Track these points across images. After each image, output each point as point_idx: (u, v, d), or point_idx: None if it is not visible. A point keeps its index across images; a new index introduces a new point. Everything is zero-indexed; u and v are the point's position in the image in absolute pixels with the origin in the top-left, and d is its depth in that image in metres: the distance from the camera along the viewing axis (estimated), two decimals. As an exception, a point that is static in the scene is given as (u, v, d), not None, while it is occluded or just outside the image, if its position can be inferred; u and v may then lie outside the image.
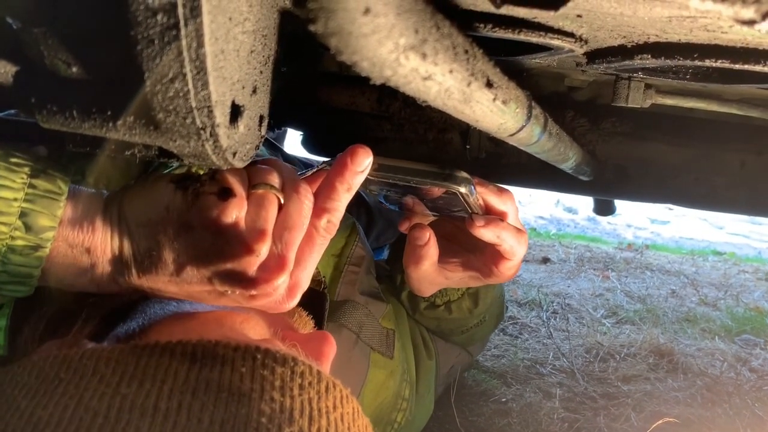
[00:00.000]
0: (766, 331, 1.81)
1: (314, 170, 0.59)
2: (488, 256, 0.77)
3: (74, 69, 0.36)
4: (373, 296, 0.91)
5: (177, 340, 0.47)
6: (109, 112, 0.37)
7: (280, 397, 0.43)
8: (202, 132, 0.37)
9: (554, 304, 1.93)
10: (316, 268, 0.79)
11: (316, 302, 0.75)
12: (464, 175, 0.65)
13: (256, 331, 0.55)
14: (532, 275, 2.31)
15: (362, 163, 0.55)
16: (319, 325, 0.74)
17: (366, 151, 0.55)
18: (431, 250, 0.76)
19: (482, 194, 0.72)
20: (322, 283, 0.80)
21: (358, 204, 1.18)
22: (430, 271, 0.79)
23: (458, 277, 0.81)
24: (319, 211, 0.53)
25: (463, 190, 0.64)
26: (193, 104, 0.35)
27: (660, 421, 1.04)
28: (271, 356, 0.46)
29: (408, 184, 0.64)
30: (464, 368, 1.20)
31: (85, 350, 0.47)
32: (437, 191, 0.67)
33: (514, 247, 0.73)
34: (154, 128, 0.37)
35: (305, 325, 0.70)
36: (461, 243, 0.80)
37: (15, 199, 0.46)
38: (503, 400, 1.27)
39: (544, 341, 1.61)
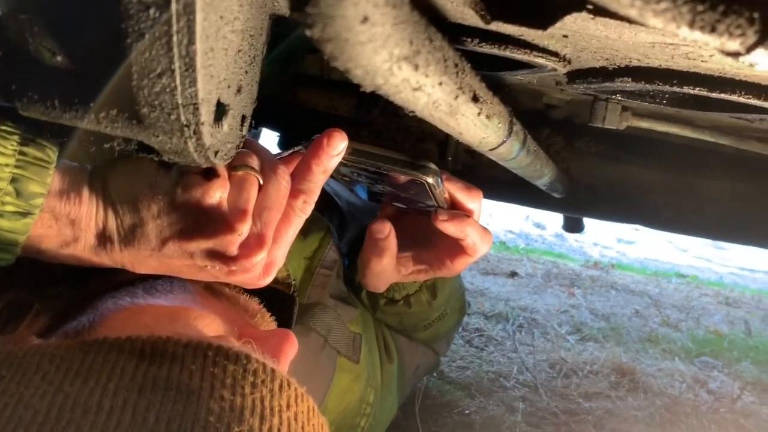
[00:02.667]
0: (724, 354, 1.85)
1: (291, 152, 0.61)
2: (443, 250, 0.78)
3: (59, 58, 0.35)
4: (343, 300, 0.91)
5: (126, 337, 0.46)
6: (91, 104, 0.36)
7: (230, 396, 0.43)
8: (185, 129, 0.36)
9: (520, 318, 1.95)
10: (287, 271, 0.79)
11: (285, 304, 0.75)
12: (433, 167, 0.66)
13: (211, 328, 0.55)
14: (499, 288, 2.33)
15: (338, 146, 0.56)
16: (286, 327, 0.73)
17: (341, 135, 0.57)
18: (392, 242, 0.77)
19: (451, 190, 0.73)
20: (291, 286, 0.80)
21: (331, 208, 1.18)
22: (390, 264, 0.79)
23: (408, 271, 0.82)
24: (295, 191, 0.55)
25: (430, 180, 0.66)
26: (180, 101, 0.34)
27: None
28: (223, 353, 0.46)
29: (379, 171, 0.66)
30: (430, 368, 1.20)
31: (30, 347, 0.46)
32: (405, 179, 0.68)
33: (477, 244, 0.74)
34: (138, 123, 0.37)
35: (267, 325, 0.70)
36: (413, 237, 0.81)
37: (6, 165, 0.45)
38: (467, 412, 1.27)
39: (509, 354, 1.63)
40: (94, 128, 0.38)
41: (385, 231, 0.77)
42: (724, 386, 1.60)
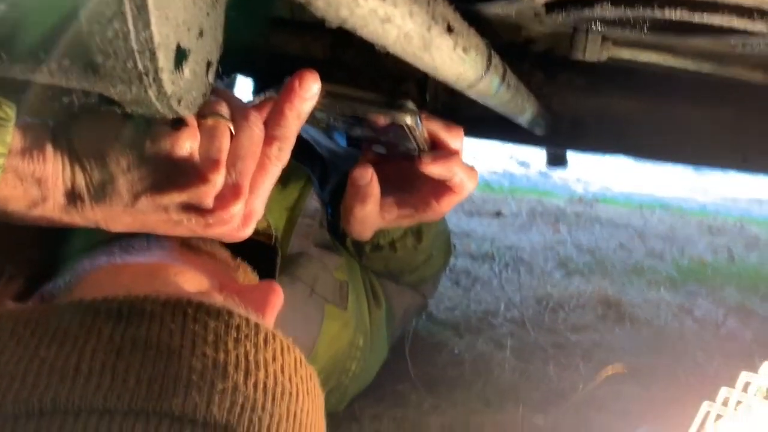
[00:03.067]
0: (708, 281, 1.88)
1: (262, 98, 0.58)
2: (428, 192, 0.77)
3: (2, 6, 0.33)
4: (327, 248, 0.91)
5: (102, 297, 0.45)
6: (41, 55, 0.34)
7: (213, 353, 0.42)
8: (144, 77, 0.34)
9: (506, 257, 1.96)
10: (267, 221, 0.77)
11: (268, 256, 0.74)
12: (411, 106, 0.64)
13: (192, 284, 0.54)
14: (485, 229, 2.34)
15: (310, 89, 0.54)
16: (270, 279, 0.73)
17: (314, 76, 0.54)
18: (374, 188, 0.76)
19: (432, 129, 0.71)
20: (273, 237, 0.79)
21: (311, 156, 1.16)
22: (373, 210, 0.79)
23: (392, 217, 0.82)
24: (269, 139, 0.53)
25: (409, 121, 0.64)
26: (135, 46, 0.32)
27: (608, 370, 1.08)
28: (204, 310, 0.45)
29: (355, 114, 0.64)
30: (419, 311, 1.22)
31: (4, 312, 0.45)
32: (383, 121, 0.66)
33: (465, 182, 0.74)
34: (93, 72, 0.35)
35: (250, 279, 0.69)
36: (396, 182, 0.80)
37: None
38: (456, 351, 1.29)
39: (496, 293, 1.64)
40: (48, 81, 0.36)
41: (367, 177, 0.75)
42: (709, 313, 1.63)
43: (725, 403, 0.78)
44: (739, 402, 0.78)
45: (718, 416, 0.77)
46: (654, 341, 1.41)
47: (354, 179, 0.76)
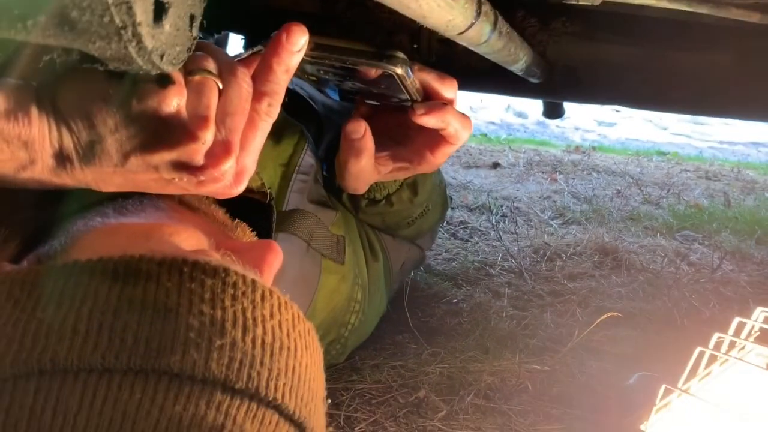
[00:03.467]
0: (704, 226, 1.89)
1: (249, 53, 0.57)
2: (422, 144, 0.77)
3: (-29, -39, 0.32)
4: (322, 204, 0.91)
5: (97, 258, 0.45)
6: (16, 11, 0.33)
7: (210, 310, 0.42)
8: (122, 32, 0.33)
9: (504, 208, 1.96)
10: (261, 179, 0.77)
11: (263, 214, 0.74)
12: (401, 56, 0.63)
13: (189, 243, 0.53)
14: (482, 180, 2.34)
15: (298, 42, 0.53)
16: (266, 237, 0.73)
17: (301, 29, 0.53)
18: (368, 142, 0.76)
19: (424, 80, 0.71)
20: (268, 195, 0.78)
21: (307, 113, 1.14)
22: (368, 164, 0.78)
23: (387, 170, 0.81)
24: (258, 94, 0.52)
25: (399, 71, 0.63)
26: (110, 0, 0.31)
27: (604, 316, 1.09)
28: (200, 268, 0.44)
29: (346, 66, 0.63)
30: (417, 263, 1.22)
31: (0, 274, 0.45)
32: (374, 73, 0.65)
33: (459, 132, 0.73)
34: (70, 29, 0.34)
35: (247, 237, 0.69)
36: (390, 135, 0.79)
37: None
38: (454, 300, 1.30)
39: (494, 244, 1.65)
40: (24, 39, 0.35)
41: (360, 130, 0.75)
42: (705, 257, 1.64)
43: (718, 348, 0.79)
44: (731, 345, 0.80)
45: (712, 359, 0.78)
46: (650, 287, 1.42)
47: (347, 133, 0.75)
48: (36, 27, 0.33)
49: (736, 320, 0.79)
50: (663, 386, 0.74)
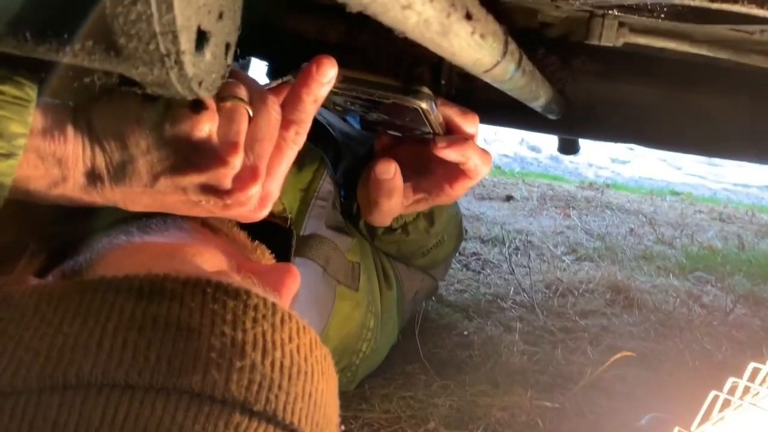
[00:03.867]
0: (717, 268, 1.88)
1: (279, 82, 0.59)
2: (442, 176, 0.78)
3: (26, -13, 0.33)
4: (339, 230, 0.91)
5: (123, 275, 0.46)
6: (65, 36, 0.35)
7: (231, 332, 0.43)
8: (166, 59, 0.35)
9: (516, 241, 1.96)
10: (283, 204, 0.78)
11: (283, 239, 0.75)
12: (427, 91, 0.65)
13: (210, 264, 0.54)
14: (495, 212, 2.34)
15: (327, 74, 0.55)
16: (285, 261, 0.73)
17: (331, 62, 0.55)
18: (398, 181, 0.77)
19: (446, 114, 0.72)
20: (288, 220, 0.79)
21: (325, 139, 1.16)
22: (398, 202, 0.79)
23: (409, 202, 0.82)
24: (286, 122, 0.54)
25: (424, 105, 0.64)
26: (157, 29, 0.33)
27: (616, 355, 1.08)
28: (223, 289, 0.45)
29: (371, 98, 0.65)
30: (429, 293, 1.23)
31: (27, 287, 0.45)
32: (399, 106, 0.66)
33: (479, 167, 0.74)
34: (115, 54, 0.35)
35: (267, 260, 0.70)
36: (410, 166, 0.80)
37: None
38: (465, 333, 1.30)
39: (506, 277, 1.65)
40: (70, 62, 0.37)
41: (391, 171, 0.76)
42: (717, 300, 1.63)
43: (732, 392, 0.78)
44: (746, 390, 0.79)
45: (725, 403, 0.77)
46: (662, 327, 1.41)
47: (378, 174, 0.76)
48: (83, 51, 0.35)
49: (751, 365, 0.78)
50: (676, 429, 0.73)
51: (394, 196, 0.78)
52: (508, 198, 2.63)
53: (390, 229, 0.95)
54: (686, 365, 1.24)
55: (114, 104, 0.49)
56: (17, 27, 0.35)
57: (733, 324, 1.48)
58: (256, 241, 0.69)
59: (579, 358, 1.23)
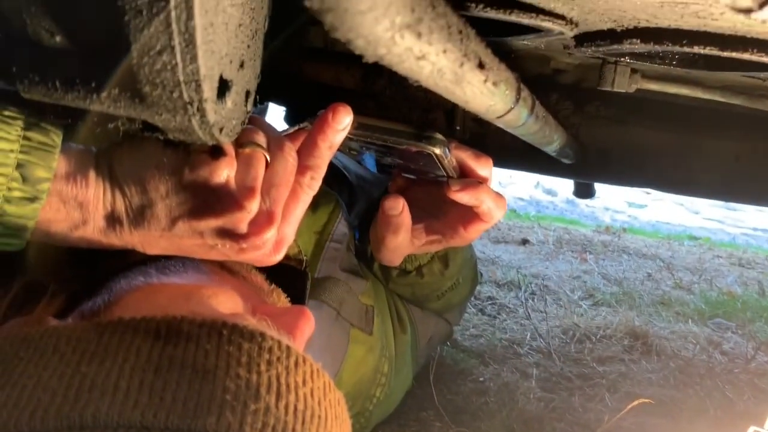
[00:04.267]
0: (737, 315, 1.85)
1: (296, 128, 0.60)
2: (456, 218, 0.78)
3: (58, 38, 0.35)
4: (354, 273, 0.91)
5: (141, 317, 0.47)
6: (93, 84, 0.36)
7: (246, 374, 0.43)
8: (189, 107, 0.36)
9: (532, 285, 1.95)
10: (298, 247, 0.79)
11: (298, 281, 0.75)
12: (440, 137, 0.66)
13: (226, 306, 0.55)
14: (511, 256, 2.33)
15: (343, 121, 0.56)
16: (300, 303, 0.74)
17: (346, 110, 0.56)
18: (406, 218, 0.77)
19: (460, 158, 0.73)
20: (303, 262, 0.80)
21: (339, 181, 1.17)
22: (405, 239, 0.79)
23: (421, 243, 0.82)
24: (302, 168, 0.55)
25: (438, 151, 0.65)
26: (181, 78, 0.34)
27: (634, 402, 1.06)
28: (238, 332, 0.46)
29: (386, 144, 0.66)
30: (444, 338, 1.21)
31: (47, 328, 0.46)
32: (413, 151, 0.68)
33: (492, 210, 0.74)
34: (140, 101, 0.36)
35: (281, 302, 0.70)
36: (424, 207, 0.81)
37: (11, 151, 0.45)
38: (481, 379, 1.28)
39: (522, 322, 1.63)
40: (96, 109, 0.38)
41: (398, 207, 0.77)
42: (738, 347, 1.60)
43: (755, 441, 0.76)
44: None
45: (748, 453, 0.75)
46: (681, 374, 1.38)
47: (385, 209, 0.77)
48: (110, 98, 0.36)
49: (774, 414, 0.77)
50: (697, 479, 0.71)
51: (400, 232, 0.78)
52: (524, 242, 2.63)
53: (405, 272, 0.95)
54: (707, 413, 1.21)
55: (135, 149, 0.51)
56: (47, 75, 0.37)
57: (755, 372, 1.45)
58: (273, 285, 0.70)
59: (597, 406, 1.21)
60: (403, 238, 0.79)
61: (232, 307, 0.55)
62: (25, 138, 0.46)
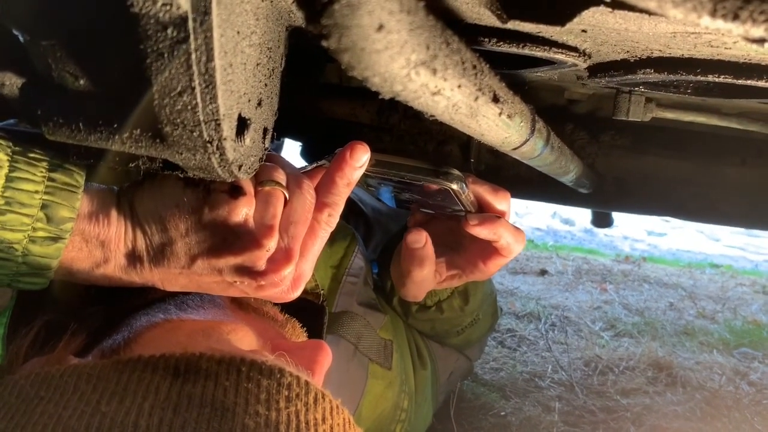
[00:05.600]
0: (764, 344, 1.81)
1: (314, 166, 0.61)
2: (475, 253, 0.78)
3: (81, 82, 0.36)
4: (372, 307, 0.91)
5: (160, 354, 0.47)
6: (115, 125, 0.37)
7: (265, 411, 0.43)
8: (209, 145, 0.36)
9: (552, 317, 1.93)
10: (315, 281, 0.79)
11: (315, 315, 0.75)
12: (457, 173, 0.66)
13: (244, 342, 0.55)
14: (530, 287, 2.31)
15: (360, 159, 0.57)
16: (317, 337, 0.73)
17: (364, 147, 0.57)
18: (430, 251, 0.77)
19: (478, 193, 0.73)
20: (320, 296, 0.80)
21: (356, 215, 1.18)
22: (430, 272, 0.79)
23: (442, 278, 0.82)
24: (320, 205, 0.56)
25: (455, 187, 0.66)
26: (201, 117, 0.35)
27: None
28: (257, 368, 0.46)
29: (403, 180, 0.66)
30: (464, 374, 1.20)
31: (67, 367, 0.46)
32: (431, 188, 0.68)
33: (511, 245, 0.74)
34: (161, 141, 0.37)
35: (298, 336, 0.70)
36: (443, 242, 0.81)
37: (36, 192, 0.46)
38: (502, 413, 1.26)
39: (543, 354, 1.61)
40: (119, 149, 0.39)
41: (422, 240, 0.77)
42: (766, 377, 1.56)
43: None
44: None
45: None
46: (708, 406, 1.35)
47: (409, 243, 0.77)
48: (131, 139, 0.37)
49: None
50: None
51: (426, 265, 0.78)
52: (543, 272, 2.60)
53: (424, 307, 0.95)
54: (737, 447, 1.18)
55: (156, 188, 0.51)
56: (71, 118, 0.38)
57: (784, 403, 1.41)
58: (286, 315, 0.69)
59: (622, 439, 1.18)
60: (428, 271, 0.79)
61: (250, 343, 0.56)
62: (50, 179, 0.47)
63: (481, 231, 0.72)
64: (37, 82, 0.38)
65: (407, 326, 0.99)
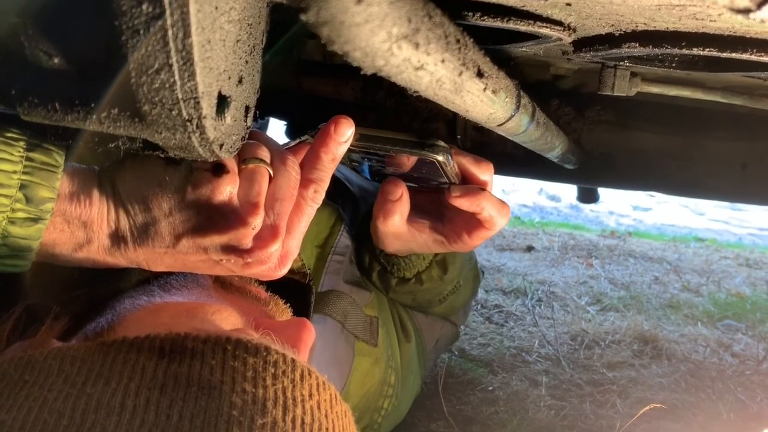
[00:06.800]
0: (747, 316, 1.84)
1: (298, 141, 0.60)
2: (459, 224, 0.78)
3: (56, 60, 0.35)
4: (357, 285, 0.91)
5: (144, 335, 0.46)
6: (92, 105, 0.36)
7: (252, 388, 0.43)
8: (188, 124, 0.36)
9: (539, 292, 1.94)
10: (302, 260, 0.78)
11: (302, 294, 0.75)
12: (442, 144, 0.66)
13: (229, 321, 0.55)
14: (516, 263, 2.32)
15: (345, 133, 0.56)
16: (305, 316, 0.73)
17: (348, 122, 0.56)
18: (403, 206, 0.76)
19: (461, 163, 0.72)
20: (307, 276, 0.80)
21: (342, 193, 1.17)
22: (398, 226, 0.79)
23: (423, 239, 0.81)
24: (306, 181, 0.55)
25: (440, 158, 0.65)
26: (180, 95, 0.34)
27: (646, 408, 1.06)
28: (243, 346, 0.46)
29: (388, 154, 0.66)
30: (451, 340, 1.20)
31: (50, 350, 0.46)
32: (416, 160, 0.68)
33: (495, 218, 0.74)
34: (139, 120, 0.36)
35: (282, 313, 0.70)
36: (432, 213, 0.80)
37: (14, 172, 0.45)
38: (490, 388, 1.27)
39: (530, 329, 1.62)
40: (97, 129, 0.38)
41: (397, 194, 0.76)
42: (749, 348, 1.59)
43: (770, 443, 0.76)
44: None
45: (763, 456, 0.74)
46: (693, 378, 1.37)
47: (384, 193, 0.76)
48: (109, 118, 0.36)
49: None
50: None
51: (390, 218, 0.77)
52: (529, 248, 2.62)
53: (403, 279, 0.94)
54: (719, 417, 1.20)
55: (137, 168, 0.51)
56: (47, 97, 0.37)
57: (767, 373, 1.44)
58: (269, 293, 0.69)
59: (608, 412, 1.20)
60: (394, 225, 0.78)
61: (234, 323, 0.55)
62: (28, 159, 0.46)
63: (463, 202, 0.71)
64: (10, 61, 0.37)
65: (390, 300, 0.99)
